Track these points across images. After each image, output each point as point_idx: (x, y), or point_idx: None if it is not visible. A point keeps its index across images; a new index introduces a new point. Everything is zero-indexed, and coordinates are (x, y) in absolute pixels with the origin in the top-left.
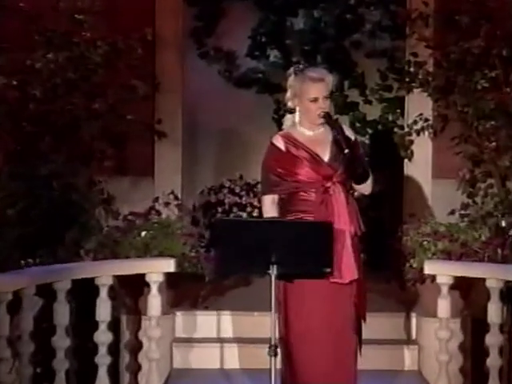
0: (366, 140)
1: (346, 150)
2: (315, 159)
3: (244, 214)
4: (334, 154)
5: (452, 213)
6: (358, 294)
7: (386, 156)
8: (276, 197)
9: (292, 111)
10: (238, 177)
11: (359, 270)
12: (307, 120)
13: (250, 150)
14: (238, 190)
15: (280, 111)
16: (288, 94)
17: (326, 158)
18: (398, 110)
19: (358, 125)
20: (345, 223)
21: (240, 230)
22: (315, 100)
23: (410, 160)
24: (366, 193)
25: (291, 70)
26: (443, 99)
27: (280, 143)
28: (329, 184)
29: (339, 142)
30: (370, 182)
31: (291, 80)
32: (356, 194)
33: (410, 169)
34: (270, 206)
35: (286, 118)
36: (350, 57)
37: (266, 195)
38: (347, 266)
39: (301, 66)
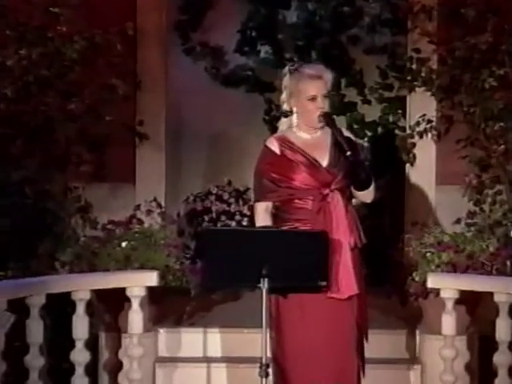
0: (364, 143)
1: (349, 152)
2: (313, 164)
3: (233, 223)
4: (333, 158)
5: (457, 222)
6: (359, 311)
7: (387, 160)
8: (270, 204)
9: (288, 114)
10: (227, 183)
11: (360, 285)
12: (305, 121)
13: (239, 154)
14: (226, 196)
15: (271, 112)
16: (283, 96)
17: (324, 163)
18: (399, 111)
19: (355, 126)
20: (344, 234)
21: (228, 240)
22: (313, 99)
23: (412, 165)
24: (368, 200)
25: (286, 69)
26: (448, 99)
27: (275, 146)
28: (327, 191)
29: (341, 143)
30: (372, 188)
31: (286, 80)
32: (355, 201)
33: (412, 174)
34: (262, 214)
35: (282, 122)
36: (347, 53)
37: (258, 202)
38: (346, 280)
39: (296, 64)
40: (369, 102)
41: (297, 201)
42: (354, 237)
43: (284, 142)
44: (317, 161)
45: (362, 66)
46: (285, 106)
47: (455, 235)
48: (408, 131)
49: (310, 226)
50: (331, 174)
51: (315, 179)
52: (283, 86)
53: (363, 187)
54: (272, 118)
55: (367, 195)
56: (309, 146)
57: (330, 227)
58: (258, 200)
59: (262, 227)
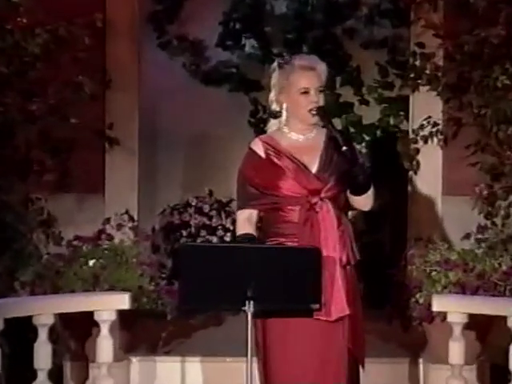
0: (361, 148)
1: (344, 148)
2: (300, 169)
3: (214, 239)
4: (325, 162)
5: (467, 237)
6: (352, 335)
7: (387, 168)
8: (254, 213)
9: (277, 115)
10: (207, 193)
11: (353, 306)
12: (297, 119)
13: (221, 161)
14: (206, 209)
15: (258, 113)
16: (272, 94)
17: (314, 167)
18: (401, 113)
19: (352, 130)
20: (334, 248)
21: (209, 257)
22: (306, 92)
23: (415, 173)
24: (366, 208)
25: (274, 64)
26: (455, 99)
27: (259, 149)
28: (315, 200)
29: (336, 138)
30: (371, 193)
31: (275, 76)
32: (351, 214)
33: (415, 183)
34: (244, 223)
35: (271, 125)
36: (342, 48)
37: (241, 210)
38: (335, 300)
39: (286, 58)
40: (367, 103)
41: (282, 212)
42: (346, 252)
43: (270, 145)
44: (305, 166)
45: (359, 62)
46: (274, 106)
47: (464, 252)
48: (411, 135)
49: (297, 240)
50: (321, 181)
51: (303, 187)
52: (272, 83)
53: (361, 191)
54: (258, 120)
55: (365, 201)
56: (299, 148)
57: (318, 240)
58: (240, 207)
59: (244, 236)
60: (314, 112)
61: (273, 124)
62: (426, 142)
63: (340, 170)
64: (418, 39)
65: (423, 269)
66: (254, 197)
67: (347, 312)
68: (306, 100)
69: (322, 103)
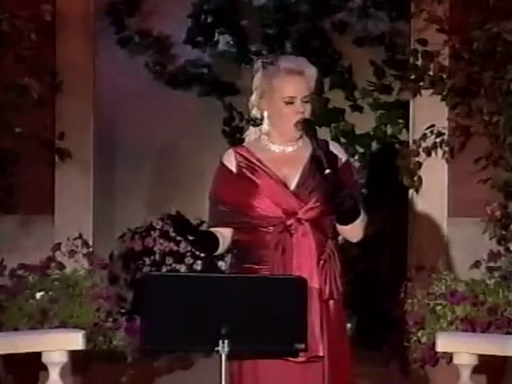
0: (354, 162)
1: (328, 170)
2: (277, 186)
3: (182, 268)
4: (306, 178)
5: (476, 265)
6: (334, 380)
7: (384, 185)
8: (227, 232)
9: (258, 122)
10: (174, 214)
11: (334, 347)
12: (278, 130)
13: (190, 177)
14: (173, 232)
15: (233, 121)
16: (253, 97)
17: (292, 184)
18: (401, 120)
19: (343, 140)
20: (310, 279)
21: (176, 289)
22: (291, 101)
23: (417, 191)
24: (354, 239)
25: (258, 63)
26: (463, 104)
27: (231, 162)
28: (291, 221)
29: (319, 158)
30: (360, 221)
31: (258, 77)
32: (341, 237)
33: (417, 203)
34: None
35: (250, 133)
36: (331, 45)
37: (210, 228)
38: (309, 339)
39: (271, 57)
40: (360, 109)
41: (255, 235)
42: (329, 285)
43: (244, 157)
44: (283, 181)
45: (352, 62)
46: (254, 112)
47: (473, 283)
48: (412, 147)
49: (268, 268)
50: (299, 199)
51: (277, 205)
52: (254, 86)
53: (346, 220)
54: (234, 129)
55: (352, 232)
56: (279, 162)
57: (290, 267)
58: (210, 226)
59: (221, 274)
60: (299, 126)
61: (252, 132)
62: (429, 154)
63: (324, 191)
64: (420, 35)
65: (426, 302)
66: (226, 215)
67: (320, 353)
68: (290, 110)
69: (307, 115)
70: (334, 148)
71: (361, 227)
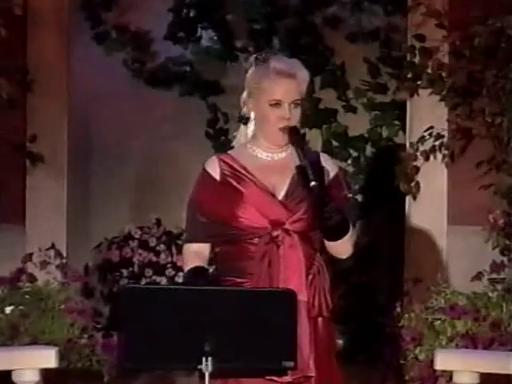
0: (347, 167)
1: (313, 183)
2: (263, 195)
3: (163, 280)
4: (295, 187)
5: (478, 277)
6: None
7: (379, 191)
8: (206, 247)
9: (247, 121)
10: (154, 223)
11: (324, 366)
12: (263, 135)
13: (171, 183)
14: (153, 242)
15: (217, 123)
16: (244, 94)
17: (280, 193)
18: (397, 122)
19: (335, 143)
20: (298, 294)
21: (156, 303)
22: (278, 104)
23: (414, 198)
24: (342, 256)
25: (251, 58)
26: (464, 105)
27: (214, 169)
28: (277, 232)
29: (304, 169)
30: (349, 237)
31: (250, 75)
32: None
33: (414, 211)
34: (192, 257)
35: (239, 133)
36: (322, 41)
37: (188, 243)
38: (298, 358)
39: (266, 54)
40: (354, 110)
41: (239, 247)
42: (318, 301)
43: (228, 164)
44: (270, 190)
45: (345, 59)
46: (245, 110)
47: (475, 296)
48: (409, 150)
49: (251, 281)
50: (287, 209)
51: (264, 215)
52: (245, 82)
53: (334, 236)
54: (218, 131)
55: (340, 248)
56: (266, 170)
57: (277, 281)
58: (188, 241)
59: (194, 270)
60: (286, 132)
61: (243, 132)
62: (427, 158)
63: (312, 203)
64: (418, 30)
65: (424, 317)
66: (205, 228)
67: (309, 373)
68: (276, 114)
69: (295, 122)
70: (325, 160)
71: (349, 243)
